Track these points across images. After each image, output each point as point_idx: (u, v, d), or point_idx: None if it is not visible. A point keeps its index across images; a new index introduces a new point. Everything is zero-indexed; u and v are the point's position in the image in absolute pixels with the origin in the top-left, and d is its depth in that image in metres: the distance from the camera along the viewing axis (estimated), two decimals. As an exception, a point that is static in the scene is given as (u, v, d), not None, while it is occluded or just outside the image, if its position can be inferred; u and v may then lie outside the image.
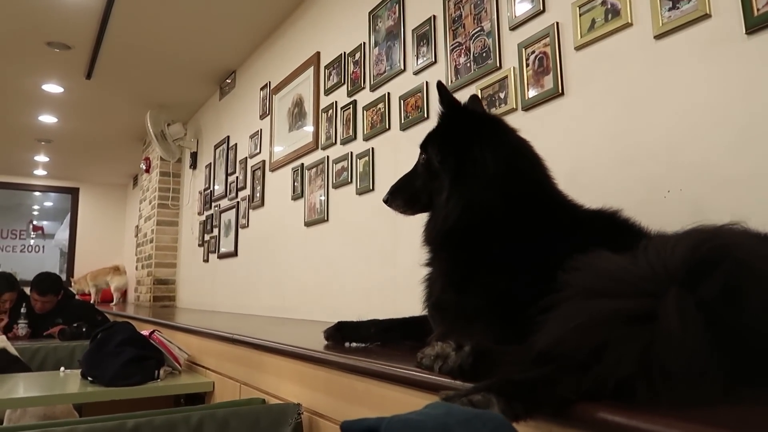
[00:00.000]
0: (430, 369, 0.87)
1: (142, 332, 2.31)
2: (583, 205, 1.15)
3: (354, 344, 1.41)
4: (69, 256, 8.54)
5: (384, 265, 2.43)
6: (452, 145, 1.12)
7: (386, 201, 1.28)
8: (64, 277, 8.10)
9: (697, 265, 0.71)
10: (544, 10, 1.76)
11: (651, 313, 0.68)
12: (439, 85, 1.19)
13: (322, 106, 3.08)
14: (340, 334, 1.42)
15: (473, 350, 0.84)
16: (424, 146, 1.22)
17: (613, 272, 0.77)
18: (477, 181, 1.05)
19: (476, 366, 0.82)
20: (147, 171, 6.10)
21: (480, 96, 1.96)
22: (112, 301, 6.49)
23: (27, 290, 3.93)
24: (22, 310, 3.77)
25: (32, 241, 8.71)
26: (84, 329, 3.51)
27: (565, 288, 0.81)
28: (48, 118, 5.76)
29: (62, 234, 8.75)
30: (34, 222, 8.82)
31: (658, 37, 1.43)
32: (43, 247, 8.76)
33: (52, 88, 4.93)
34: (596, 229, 1.07)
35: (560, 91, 1.68)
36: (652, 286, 0.71)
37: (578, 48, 1.64)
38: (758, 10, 1.22)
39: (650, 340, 0.67)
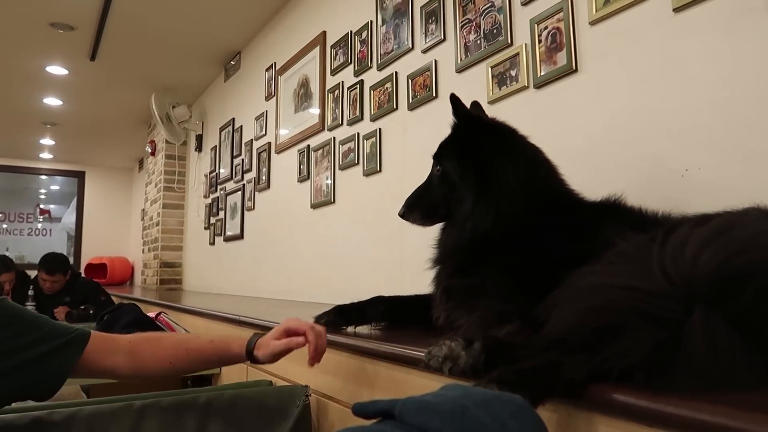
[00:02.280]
0: (439, 371, 0.80)
1: (148, 314, 2.30)
2: (591, 199, 1.18)
3: (358, 328, 1.35)
4: (76, 239, 8.56)
5: (391, 246, 2.40)
6: (471, 158, 1.15)
7: (403, 215, 1.26)
8: (72, 260, 8.14)
9: (725, 284, 0.64)
10: (557, -16, 1.71)
11: (673, 320, 0.64)
12: (453, 97, 1.19)
13: (329, 86, 3.04)
14: (344, 318, 1.34)
15: (484, 347, 0.79)
16: (439, 157, 1.23)
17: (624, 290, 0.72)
18: (501, 193, 1.10)
19: (490, 362, 0.77)
20: (152, 154, 6.08)
21: (491, 74, 1.91)
22: None
23: (34, 273, 3.95)
24: (30, 292, 3.79)
25: (39, 225, 8.73)
26: (91, 311, 3.52)
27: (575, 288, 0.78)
28: (53, 101, 5.73)
29: (69, 217, 8.76)
30: (41, 206, 8.83)
31: (677, 9, 1.38)
32: (51, 230, 8.78)
33: (57, 70, 4.89)
34: (603, 221, 1.07)
35: (574, 68, 1.64)
36: (673, 304, 0.65)
37: (593, 23, 1.59)
38: (784, -21, 1.17)
39: (669, 343, 0.63)
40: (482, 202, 1.10)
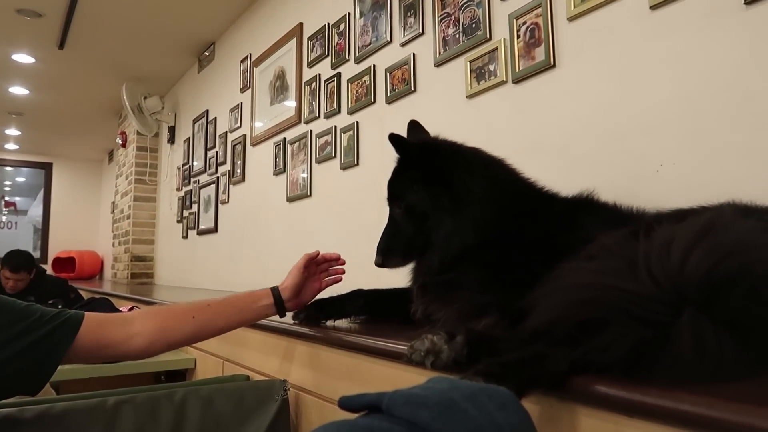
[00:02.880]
0: (421, 365, 0.80)
1: (120, 309, 2.25)
2: (563, 194, 1.20)
3: (337, 322, 1.34)
4: (43, 232, 8.34)
5: (368, 240, 2.39)
6: (435, 182, 1.13)
7: (381, 264, 1.21)
8: (38, 254, 7.94)
9: (715, 289, 0.64)
10: (536, -20, 1.72)
11: (660, 322, 0.64)
12: (392, 137, 1.15)
13: (305, 78, 3.01)
14: (323, 313, 1.33)
15: (467, 340, 0.78)
16: (397, 196, 1.20)
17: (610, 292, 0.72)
18: (472, 205, 1.10)
19: (472, 356, 0.77)
20: (123, 145, 5.96)
21: (469, 68, 1.92)
22: None
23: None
24: (-10, 290, 3.66)
25: (4, 218, 8.50)
26: (60, 306, 3.43)
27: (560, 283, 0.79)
28: (19, 90, 5.56)
29: (36, 210, 8.54)
30: (6, 198, 8.60)
31: (654, 7, 1.39)
32: (16, 223, 8.55)
33: (23, 58, 4.75)
34: (578, 216, 1.11)
35: (552, 63, 1.65)
36: (660, 307, 0.65)
37: (571, 19, 1.61)
38: (758, -21, 1.19)
39: (653, 341, 0.63)
40: (459, 218, 1.10)
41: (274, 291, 1.26)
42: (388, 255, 1.21)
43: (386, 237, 1.23)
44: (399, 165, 1.21)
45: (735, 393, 0.56)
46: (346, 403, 0.58)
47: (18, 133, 7.26)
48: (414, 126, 1.35)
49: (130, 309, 2.23)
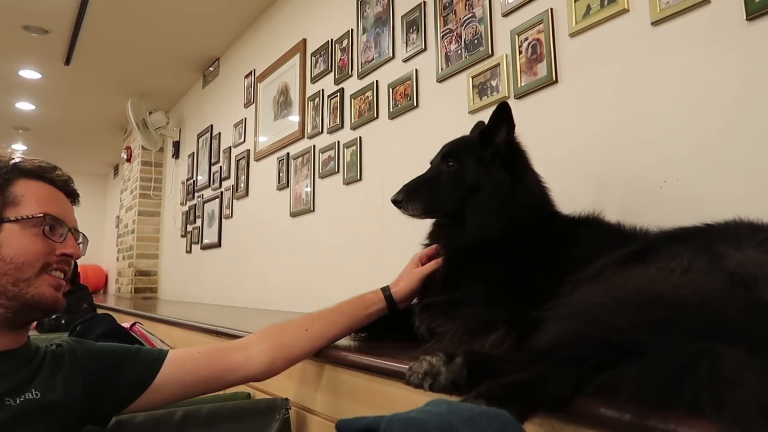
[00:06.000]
0: (419, 387, 0.78)
1: (122, 324, 2.24)
2: (571, 214, 1.23)
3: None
4: (48, 246, 8.35)
5: (371, 255, 2.39)
6: (508, 169, 1.17)
7: (398, 202, 1.21)
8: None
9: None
10: (537, -4, 1.72)
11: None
12: (504, 105, 1.17)
13: (309, 94, 3.02)
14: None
15: (466, 361, 0.77)
16: (456, 157, 1.22)
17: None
18: (523, 204, 1.15)
19: (472, 378, 0.75)
20: (128, 160, 5.98)
21: (471, 84, 1.92)
22: None
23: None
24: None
25: (10, 232, 8.52)
26: (63, 321, 3.42)
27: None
28: (25, 105, 5.61)
29: (41, 224, 8.56)
30: (12, 212, 8.62)
31: (655, 23, 1.39)
32: (21, 237, 8.57)
33: (30, 74, 4.79)
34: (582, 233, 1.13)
35: (554, 79, 1.65)
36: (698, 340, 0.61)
37: (573, 35, 1.61)
38: (759, -5, 1.19)
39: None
40: (503, 210, 1.13)
41: (386, 292, 1.27)
42: (411, 197, 1.21)
43: (417, 182, 1.23)
44: (481, 135, 1.22)
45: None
46: (343, 427, 0.57)
47: (24, 147, 7.30)
48: (479, 127, 1.35)
49: (132, 325, 2.22)
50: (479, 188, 1.16)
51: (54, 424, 0.98)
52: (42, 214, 0.99)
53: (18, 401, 0.95)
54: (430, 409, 0.56)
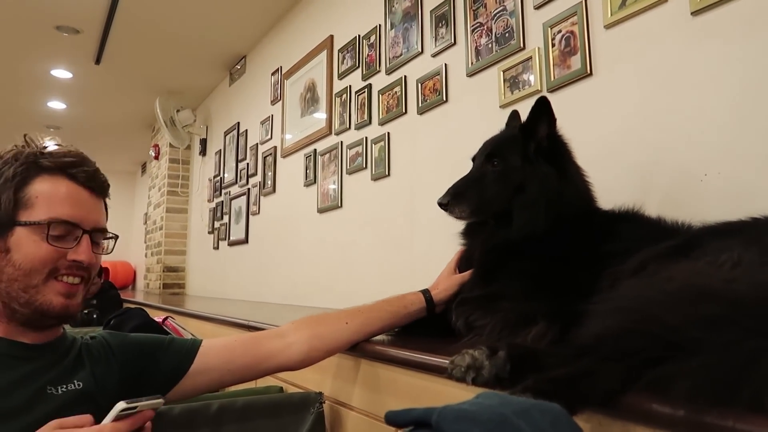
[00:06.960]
0: (462, 381, 0.78)
1: (155, 318, 2.27)
2: (610, 210, 1.22)
3: None
4: (78, 243, 8.52)
5: (400, 251, 2.38)
6: (553, 164, 1.17)
7: (445, 205, 1.20)
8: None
9: None
10: (571, -12, 1.69)
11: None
12: (543, 100, 1.17)
13: (336, 90, 3.03)
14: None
15: (509, 355, 0.77)
16: (500, 156, 1.20)
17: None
18: (566, 200, 1.15)
19: (515, 372, 0.75)
20: (156, 158, 6.07)
21: (502, 77, 1.90)
22: None
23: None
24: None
25: (41, 229, 8.70)
26: (95, 315, 3.48)
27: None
28: (57, 104, 5.72)
29: (71, 221, 8.72)
30: (43, 209, 8.80)
31: (695, 13, 1.36)
32: (53, 234, 8.75)
33: (61, 73, 4.89)
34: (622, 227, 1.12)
35: (588, 72, 1.62)
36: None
37: (608, 26, 1.58)
38: (807, -18, 1.15)
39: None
40: (551, 208, 1.13)
41: (426, 295, 1.27)
42: (458, 199, 1.20)
43: (463, 184, 1.22)
44: (518, 130, 1.21)
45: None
46: (393, 419, 0.57)
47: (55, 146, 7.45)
48: (514, 117, 1.34)
49: (164, 320, 2.25)
50: (525, 186, 1.15)
51: (93, 415, 0.99)
52: (47, 221, 0.94)
53: (60, 391, 0.96)
54: (481, 401, 0.56)
